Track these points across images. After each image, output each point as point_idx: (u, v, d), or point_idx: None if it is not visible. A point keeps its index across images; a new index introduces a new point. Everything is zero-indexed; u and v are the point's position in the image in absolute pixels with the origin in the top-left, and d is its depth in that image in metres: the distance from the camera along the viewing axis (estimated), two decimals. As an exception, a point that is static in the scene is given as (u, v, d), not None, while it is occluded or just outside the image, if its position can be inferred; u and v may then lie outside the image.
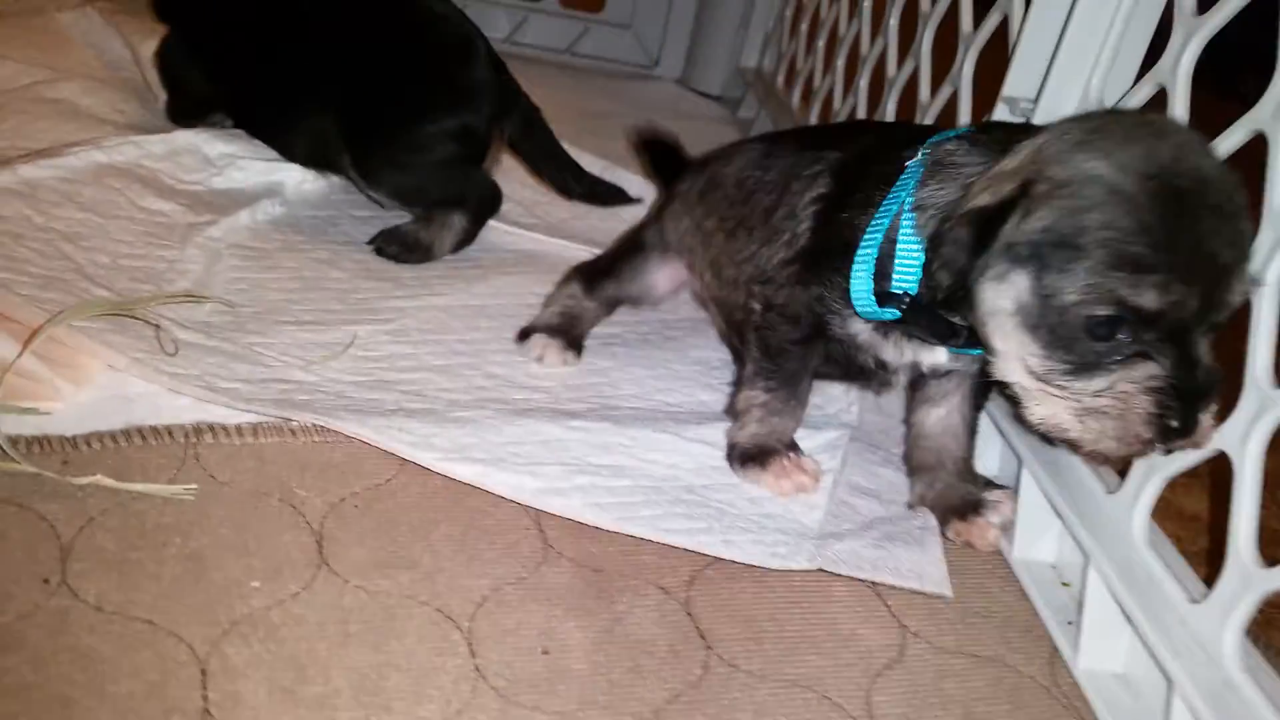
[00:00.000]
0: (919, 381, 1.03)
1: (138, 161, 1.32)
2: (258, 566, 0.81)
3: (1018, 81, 1.17)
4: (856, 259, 0.90)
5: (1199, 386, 0.75)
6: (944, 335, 0.89)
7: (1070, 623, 0.94)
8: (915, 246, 0.87)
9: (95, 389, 0.96)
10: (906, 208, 0.88)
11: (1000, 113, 1.18)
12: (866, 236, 0.90)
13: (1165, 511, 1.10)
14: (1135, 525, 0.89)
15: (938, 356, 0.95)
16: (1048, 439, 0.85)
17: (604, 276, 1.24)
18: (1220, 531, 0.80)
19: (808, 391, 1.04)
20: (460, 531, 0.90)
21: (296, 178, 1.43)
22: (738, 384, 1.09)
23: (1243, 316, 0.80)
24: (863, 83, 1.68)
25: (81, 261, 1.12)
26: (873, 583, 0.95)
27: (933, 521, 1.04)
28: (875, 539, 0.99)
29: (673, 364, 1.24)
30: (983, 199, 0.81)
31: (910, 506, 1.06)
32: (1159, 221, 0.72)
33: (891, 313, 0.90)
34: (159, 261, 1.17)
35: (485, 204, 1.37)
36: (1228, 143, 0.84)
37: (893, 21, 1.59)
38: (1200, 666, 0.79)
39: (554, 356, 1.18)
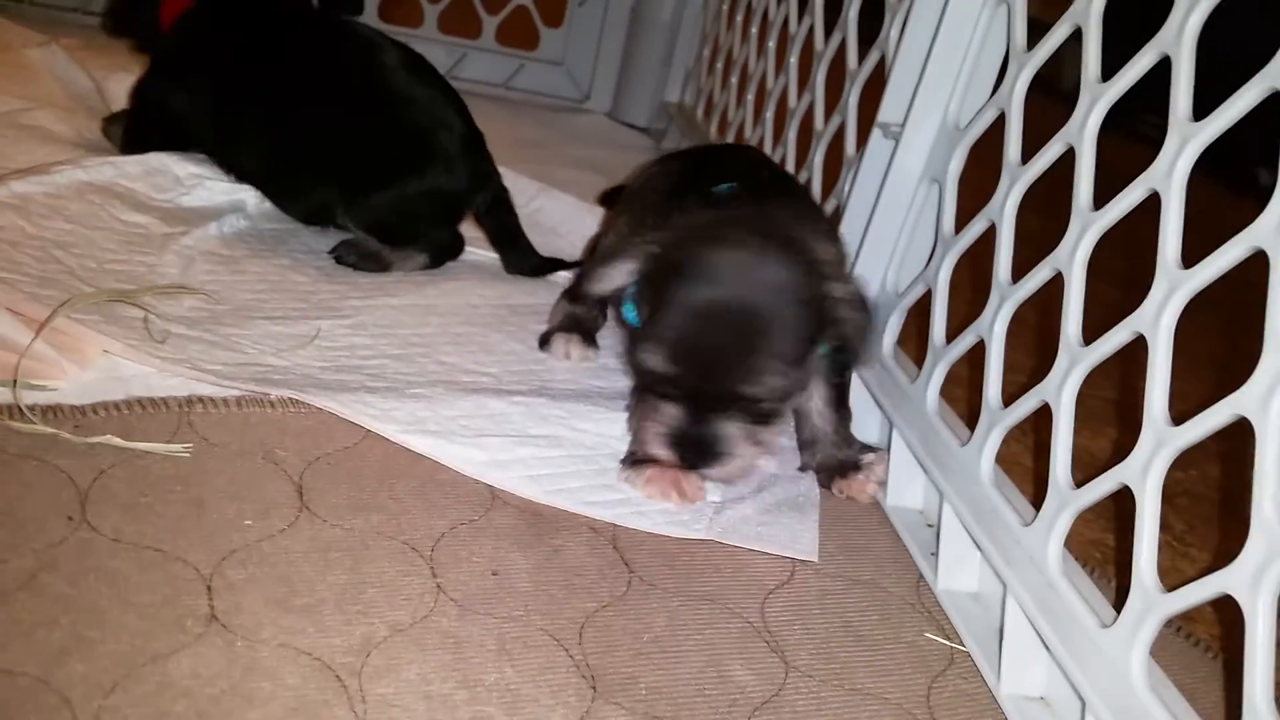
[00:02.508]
0: None
1: (115, 180, 1.46)
2: (249, 509, 0.96)
3: (890, 108, 1.37)
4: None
5: (695, 433, 1.02)
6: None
7: (933, 554, 1.13)
8: None
9: (95, 370, 1.10)
10: None
11: (875, 137, 1.39)
12: None
13: (1008, 459, 1.29)
14: (983, 469, 1.09)
15: None
16: None
17: (579, 284, 1.41)
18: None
19: None
20: (419, 484, 1.06)
21: (256, 197, 1.58)
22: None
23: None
24: (769, 114, 1.88)
25: (72, 265, 1.25)
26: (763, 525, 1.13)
27: (815, 491, 1.22)
28: (766, 505, 1.16)
29: (602, 357, 1.41)
30: (631, 251, 1.09)
31: (801, 469, 1.25)
32: (684, 325, 0.99)
33: None
34: (140, 266, 1.31)
35: (445, 251, 1.57)
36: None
37: (792, 59, 1.80)
38: (1029, 574, 0.98)
39: (577, 350, 1.38)
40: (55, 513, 0.90)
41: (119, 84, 1.84)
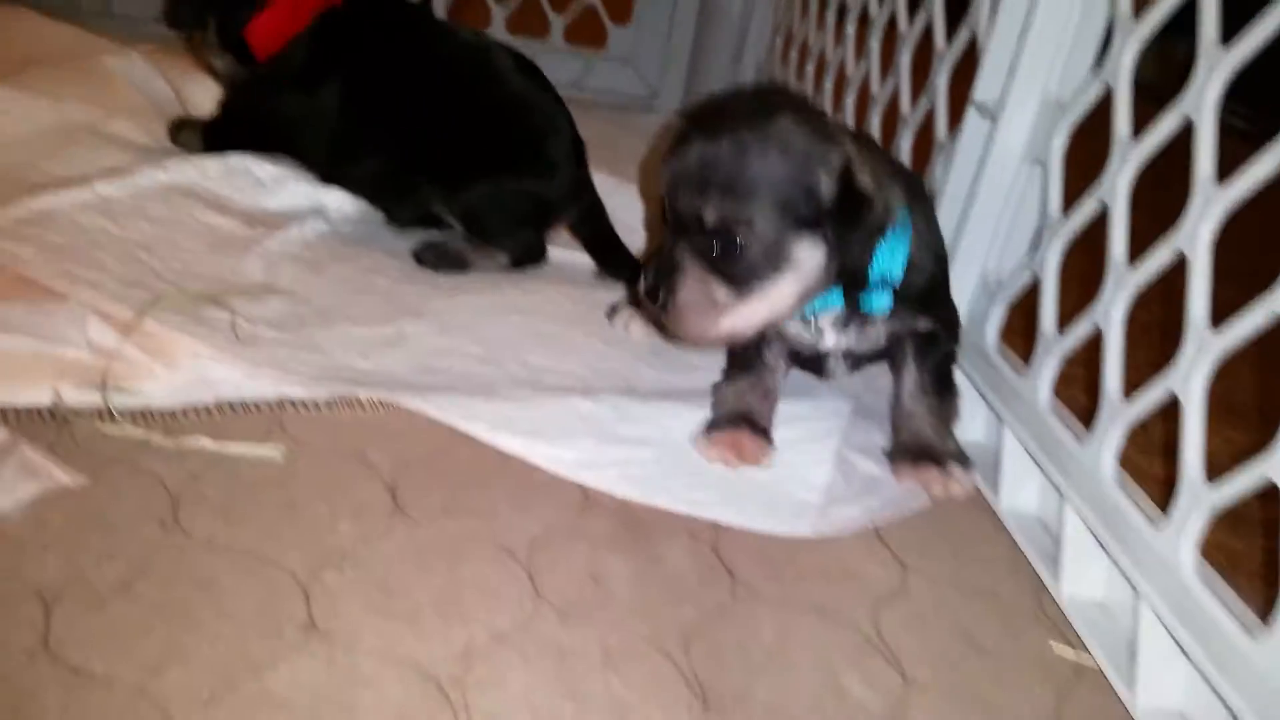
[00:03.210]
0: (876, 361, 1.22)
1: (197, 182, 1.45)
2: (343, 511, 0.93)
3: (986, 86, 1.31)
4: None
5: (658, 258, 1.00)
6: None
7: (1053, 559, 1.06)
8: None
9: (183, 373, 1.08)
10: None
11: (970, 117, 1.32)
12: None
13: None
14: (1104, 467, 1.02)
15: (842, 339, 1.13)
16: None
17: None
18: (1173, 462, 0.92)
19: (773, 379, 1.19)
20: (511, 486, 1.02)
21: (338, 199, 1.56)
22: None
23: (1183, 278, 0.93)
24: (849, 101, 1.82)
25: (157, 266, 1.24)
26: (875, 527, 1.07)
27: (917, 486, 1.16)
28: (871, 507, 1.10)
29: (686, 356, 1.37)
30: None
31: (885, 453, 1.20)
32: (676, 147, 0.98)
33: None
34: (223, 268, 1.30)
35: (528, 255, 1.54)
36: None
37: (874, 44, 1.74)
38: (1162, 578, 0.91)
39: (638, 327, 1.38)
40: (148, 517, 0.88)
41: (196, 87, 1.85)
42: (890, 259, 1.05)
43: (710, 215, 0.95)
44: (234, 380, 1.09)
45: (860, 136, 1.14)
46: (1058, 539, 1.06)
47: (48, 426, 0.96)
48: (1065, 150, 1.18)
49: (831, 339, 1.13)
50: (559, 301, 1.44)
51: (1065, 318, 1.12)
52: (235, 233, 1.39)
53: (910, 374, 1.17)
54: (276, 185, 1.51)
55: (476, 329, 1.31)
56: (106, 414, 0.98)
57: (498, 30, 2.49)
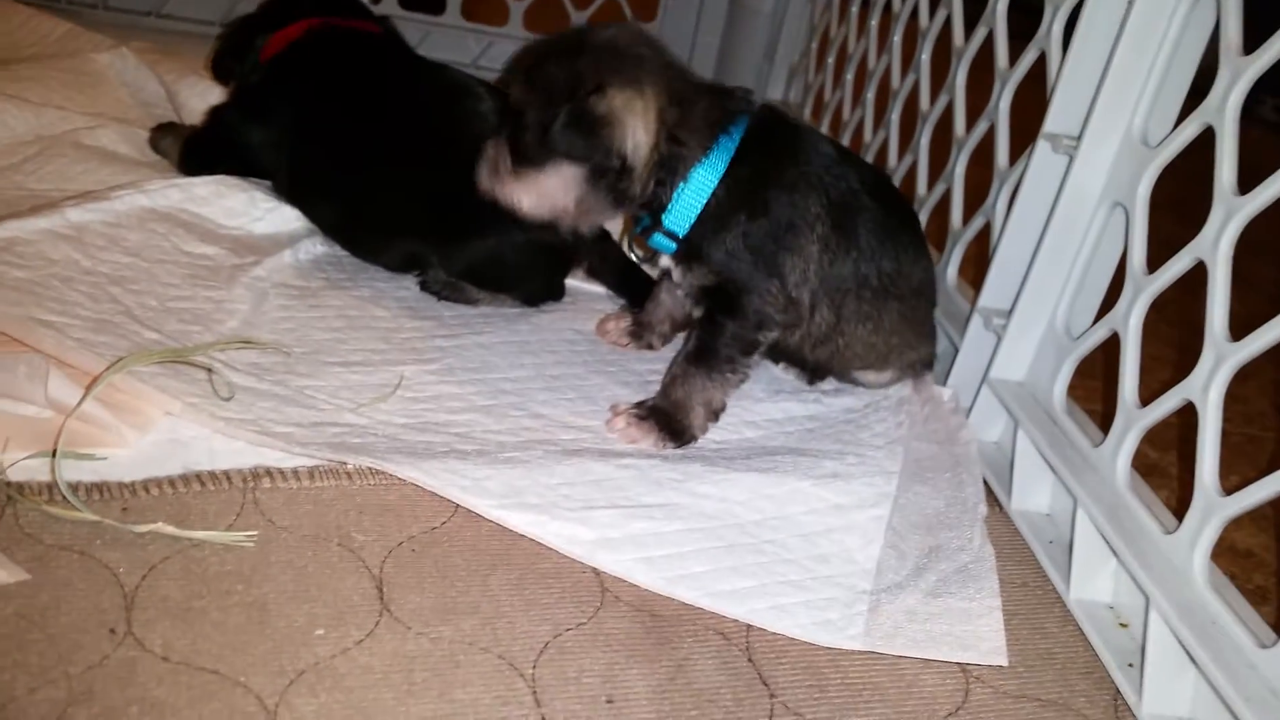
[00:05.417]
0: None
1: (181, 205, 1.32)
2: (321, 614, 0.81)
3: (1060, 118, 1.17)
4: None
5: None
6: None
7: (1131, 664, 0.93)
8: None
9: (151, 435, 0.96)
10: None
11: (1042, 150, 1.18)
12: None
13: (1217, 545, 1.09)
14: (1196, 566, 0.89)
15: (677, 275, 1.16)
16: None
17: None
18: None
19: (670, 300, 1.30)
20: (518, 576, 0.90)
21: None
22: None
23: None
24: (894, 116, 1.68)
25: (130, 304, 1.12)
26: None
27: (988, 550, 1.04)
28: (931, 587, 0.98)
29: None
30: None
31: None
32: None
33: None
34: (206, 303, 1.17)
35: (540, 297, 1.38)
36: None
37: (925, 56, 1.59)
38: (1274, 712, 0.78)
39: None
40: (96, 623, 0.76)
41: (190, 89, 1.73)
42: (678, 207, 1.08)
43: (511, 97, 1.08)
44: (208, 439, 0.97)
45: (702, 90, 1.12)
46: (1140, 642, 0.93)
47: (-11, 505, 0.84)
48: (1150, 194, 1.04)
49: (670, 270, 1.16)
50: (573, 340, 1.31)
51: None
52: (221, 262, 1.26)
53: (693, 338, 1.15)
54: (271, 206, 1.38)
55: (483, 374, 1.19)
56: (56, 493, 0.85)
57: (514, 27, 2.36)
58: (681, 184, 1.07)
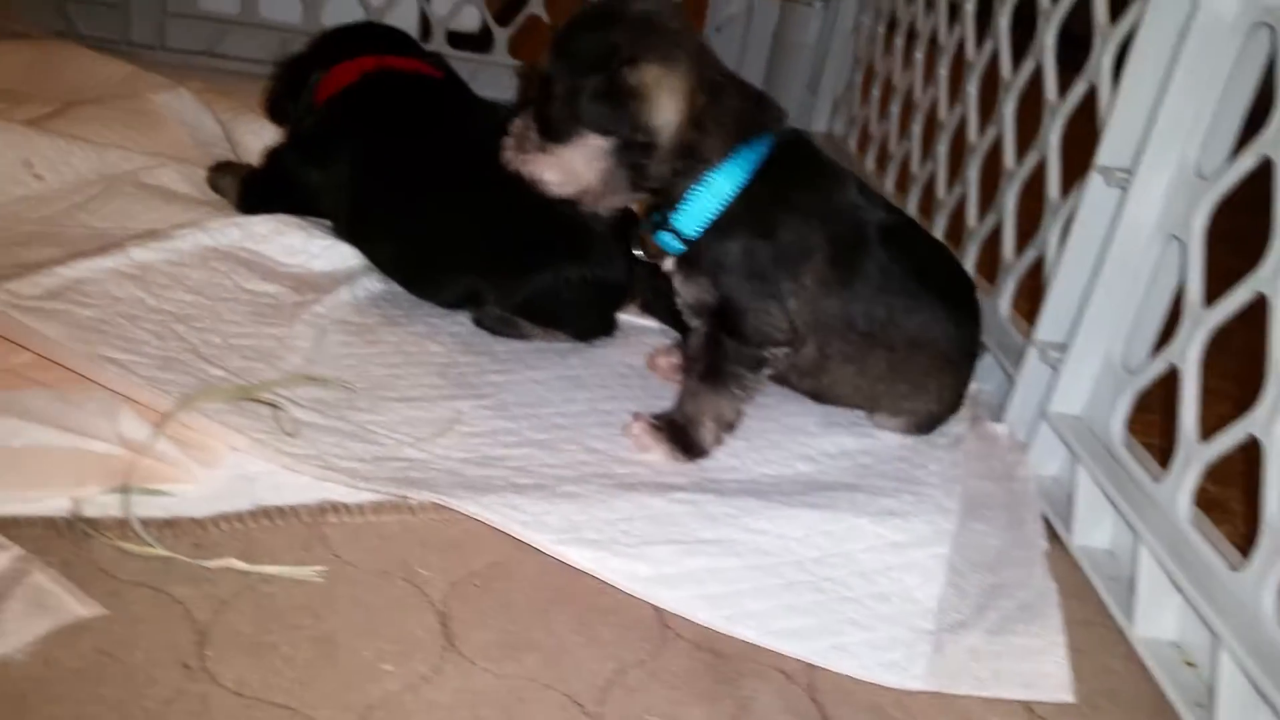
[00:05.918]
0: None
1: (241, 244, 1.35)
2: (387, 649, 0.82)
3: (1112, 151, 1.17)
4: None
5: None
6: None
7: (1200, 705, 0.92)
8: None
9: (221, 470, 0.98)
10: None
11: (1094, 182, 1.18)
12: None
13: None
14: (1265, 605, 0.88)
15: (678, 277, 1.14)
16: None
17: None
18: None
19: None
20: (579, 613, 0.90)
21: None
22: None
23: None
24: (941, 148, 1.68)
25: (195, 342, 1.15)
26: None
27: (1049, 585, 1.04)
28: (993, 624, 0.97)
29: (769, 433, 1.24)
30: None
31: None
32: None
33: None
34: (268, 340, 1.20)
35: (593, 332, 1.39)
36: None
37: (971, 89, 1.60)
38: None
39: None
40: (170, 658, 0.78)
41: (245, 127, 1.76)
42: (690, 208, 1.07)
43: (544, 68, 1.06)
44: (273, 474, 0.99)
45: (736, 89, 1.10)
46: (1210, 685, 0.92)
47: (63, 540, 0.86)
48: (1206, 227, 1.04)
49: (672, 275, 1.14)
50: (624, 374, 1.32)
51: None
52: (282, 300, 1.29)
53: (701, 358, 1.14)
54: (329, 244, 1.41)
55: (537, 409, 1.20)
56: (130, 529, 0.87)
57: (560, 62, 2.40)
58: (695, 186, 1.07)
